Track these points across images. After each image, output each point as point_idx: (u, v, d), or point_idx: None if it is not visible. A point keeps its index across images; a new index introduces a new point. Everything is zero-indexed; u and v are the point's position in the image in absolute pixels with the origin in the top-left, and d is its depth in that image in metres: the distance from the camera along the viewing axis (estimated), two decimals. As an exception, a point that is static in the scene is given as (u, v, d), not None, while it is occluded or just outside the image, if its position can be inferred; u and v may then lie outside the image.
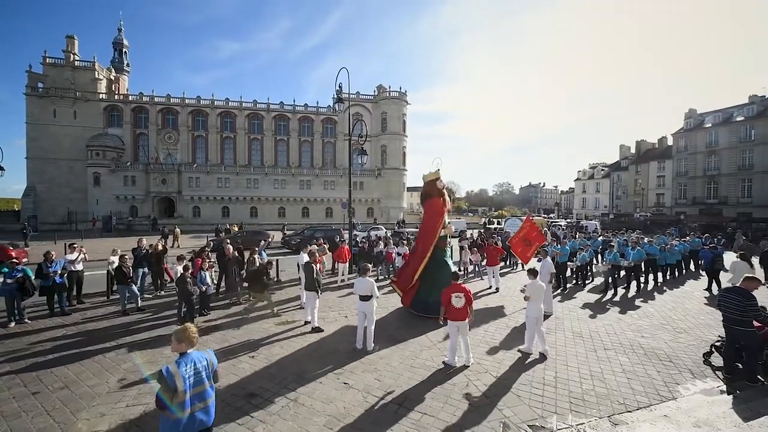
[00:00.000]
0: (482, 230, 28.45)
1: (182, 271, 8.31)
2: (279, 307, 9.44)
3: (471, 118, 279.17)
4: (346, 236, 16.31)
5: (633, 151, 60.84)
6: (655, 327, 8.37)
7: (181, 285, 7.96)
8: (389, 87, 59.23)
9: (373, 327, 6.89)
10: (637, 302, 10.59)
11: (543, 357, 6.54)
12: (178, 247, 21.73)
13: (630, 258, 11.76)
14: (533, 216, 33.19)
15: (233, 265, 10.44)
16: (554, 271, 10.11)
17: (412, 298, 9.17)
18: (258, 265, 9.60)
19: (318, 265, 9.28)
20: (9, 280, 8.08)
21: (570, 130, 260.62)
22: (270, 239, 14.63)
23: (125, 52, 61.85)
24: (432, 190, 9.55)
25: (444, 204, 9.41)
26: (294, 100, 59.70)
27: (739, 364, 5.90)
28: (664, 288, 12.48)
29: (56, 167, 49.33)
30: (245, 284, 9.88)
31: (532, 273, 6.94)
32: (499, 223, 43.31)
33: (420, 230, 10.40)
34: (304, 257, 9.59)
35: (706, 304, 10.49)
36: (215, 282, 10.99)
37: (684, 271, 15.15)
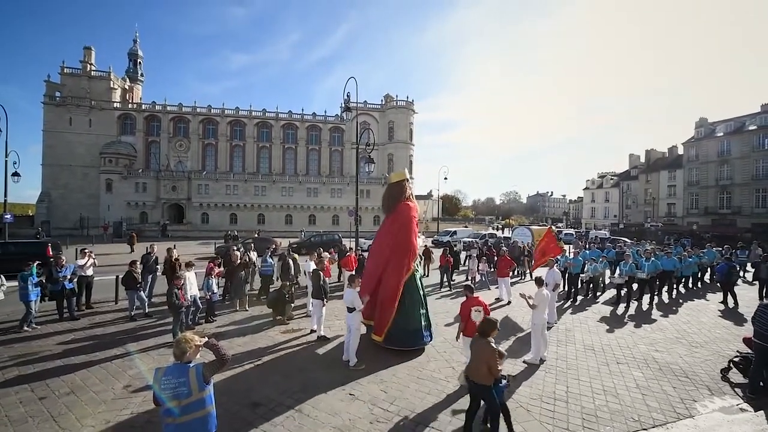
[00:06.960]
0: (489, 239, 28.20)
1: (173, 283, 7.70)
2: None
3: (477, 126, 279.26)
4: (350, 245, 16.31)
5: (642, 160, 60.21)
6: (670, 341, 8.13)
7: (168, 298, 7.46)
8: (396, 96, 59.86)
9: (354, 341, 6.38)
10: (651, 315, 10.32)
11: (541, 361, 6.68)
12: (132, 252, 21.44)
13: (645, 269, 11.48)
14: (544, 226, 32.76)
15: (240, 271, 10.47)
16: (560, 281, 9.97)
17: (387, 330, 7.17)
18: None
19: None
20: (36, 280, 8.32)
21: (577, 139, 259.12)
22: (277, 245, 14.71)
23: (140, 62, 63.63)
24: (399, 194, 8.09)
25: (414, 211, 7.93)
26: (302, 109, 60.66)
27: (762, 383, 5.67)
28: (679, 300, 12.16)
29: (70, 173, 50.49)
30: (269, 309, 9.34)
31: (539, 282, 7.13)
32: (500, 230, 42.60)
33: (382, 245, 7.95)
34: (311, 265, 9.56)
35: (721, 317, 10.19)
36: (221, 287, 11.00)
37: (699, 283, 14.77)
